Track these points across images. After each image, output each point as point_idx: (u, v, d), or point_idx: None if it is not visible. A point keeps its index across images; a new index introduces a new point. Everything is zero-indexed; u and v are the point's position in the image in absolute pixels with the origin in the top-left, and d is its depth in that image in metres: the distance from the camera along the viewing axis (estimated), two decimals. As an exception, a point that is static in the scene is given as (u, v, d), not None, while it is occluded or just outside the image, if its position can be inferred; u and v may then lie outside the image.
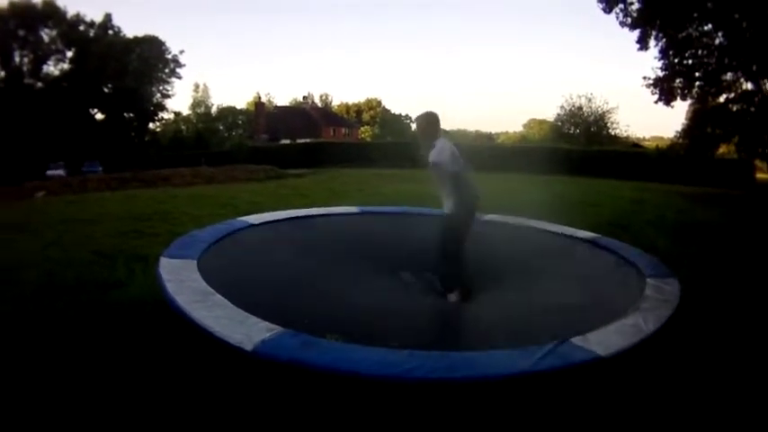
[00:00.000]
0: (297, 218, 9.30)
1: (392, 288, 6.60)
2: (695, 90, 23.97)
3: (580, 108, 57.43)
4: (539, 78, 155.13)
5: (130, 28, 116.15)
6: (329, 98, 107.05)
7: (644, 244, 7.83)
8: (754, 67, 21.82)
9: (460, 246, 6.42)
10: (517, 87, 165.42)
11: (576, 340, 4.05)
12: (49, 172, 43.06)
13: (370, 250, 7.76)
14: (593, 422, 3.88)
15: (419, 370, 3.60)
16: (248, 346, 3.78)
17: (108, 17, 65.68)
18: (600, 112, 56.76)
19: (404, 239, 8.18)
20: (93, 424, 3.78)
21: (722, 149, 27.77)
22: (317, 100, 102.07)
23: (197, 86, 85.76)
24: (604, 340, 4.09)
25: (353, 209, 10.46)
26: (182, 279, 5.18)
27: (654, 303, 5.11)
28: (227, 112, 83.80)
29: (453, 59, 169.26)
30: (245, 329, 4.03)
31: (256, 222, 8.58)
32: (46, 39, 62.61)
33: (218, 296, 4.81)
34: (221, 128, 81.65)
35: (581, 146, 44.14)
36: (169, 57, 68.07)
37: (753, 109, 22.64)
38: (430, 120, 6.78)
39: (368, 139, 68.03)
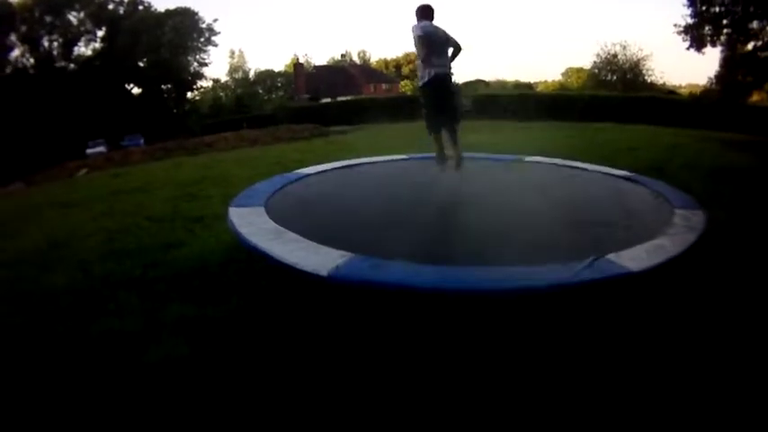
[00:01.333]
0: (349, 165, 10.02)
1: (442, 215, 7.02)
2: (723, 37, 23.72)
3: (615, 55, 56.73)
4: (575, 26, 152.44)
5: (161, 3, 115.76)
6: (367, 55, 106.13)
7: (679, 186, 8.04)
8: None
9: (431, 108, 8.07)
10: (554, 35, 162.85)
11: (611, 257, 4.37)
12: (89, 150, 43.03)
13: (420, 188, 8.35)
14: (624, 333, 4.34)
15: (475, 281, 3.96)
16: (323, 273, 4.12)
17: (137, -7, 65.65)
18: (635, 59, 56.07)
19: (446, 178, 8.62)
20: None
21: (756, 97, 27.48)
22: (355, 57, 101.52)
23: (233, 53, 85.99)
24: (636, 257, 4.43)
25: (402, 156, 11.17)
26: (252, 223, 5.51)
27: (680, 230, 5.46)
28: (266, 76, 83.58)
29: (489, 7, 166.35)
30: (319, 258, 4.40)
31: (312, 172, 9.17)
32: (74, 21, 62.58)
33: (291, 233, 5.18)
34: (260, 91, 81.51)
35: (618, 93, 43.64)
36: (203, 26, 67.91)
37: None
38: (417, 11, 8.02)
39: (408, 93, 67.20)
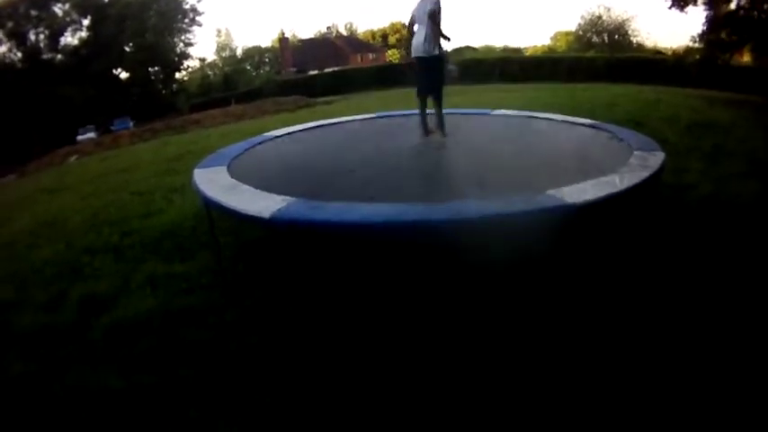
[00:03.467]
0: (317, 126, 10.11)
1: (395, 165, 7.00)
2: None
3: (600, 17, 56.95)
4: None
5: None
6: (354, 27, 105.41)
7: (657, 138, 8.15)
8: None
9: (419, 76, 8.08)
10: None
11: (551, 192, 4.55)
12: (80, 137, 43.01)
13: (379, 141, 8.52)
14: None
15: (409, 216, 4.23)
16: (266, 215, 4.36)
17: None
18: (619, 20, 56.24)
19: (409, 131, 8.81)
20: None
21: (746, 58, 27.45)
22: (342, 30, 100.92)
23: (219, 31, 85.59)
24: (579, 192, 4.56)
25: (371, 114, 11.23)
26: (212, 180, 5.70)
27: (634, 168, 5.48)
28: (253, 52, 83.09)
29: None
30: (264, 204, 4.59)
31: (279, 134, 9.34)
32: (60, 13, 62.19)
33: (245, 186, 5.37)
34: (248, 68, 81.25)
35: (603, 54, 43.79)
36: (187, 7, 67.60)
37: (764, 16, 22.37)
38: None
39: (395, 61, 66.98)
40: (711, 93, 23.07)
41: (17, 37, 58.33)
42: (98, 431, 3.42)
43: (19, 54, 59.14)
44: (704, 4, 23.61)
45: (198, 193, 5.45)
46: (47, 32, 60.56)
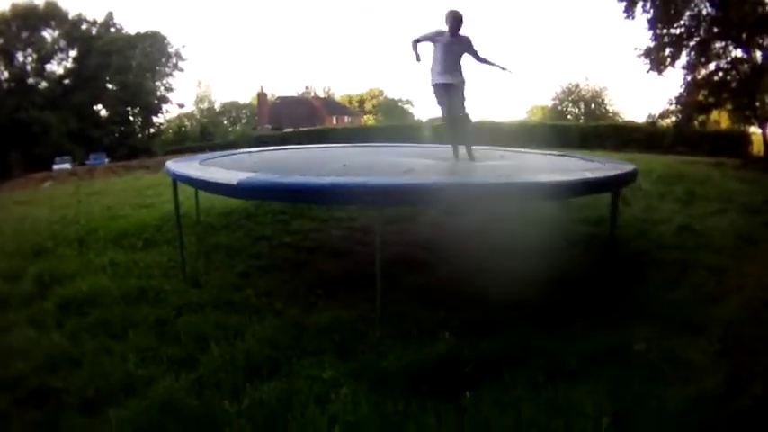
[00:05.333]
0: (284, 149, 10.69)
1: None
2: (686, 58, 24.20)
3: (577, 86, 58.08)
4: (538, 66, 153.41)
5: (132, 25, 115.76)
6: (331, 90, 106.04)
7: (632, 187, 8.25)
8: (744, 36, 22.12)
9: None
10: (517, 75, 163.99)
11: (526, 176, 5.21)
12: (56, 166, 42.98)
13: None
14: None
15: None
16: (234, 182, 4.58)
17: (110, 15, 65.55)
18: (596, 89, 57.37)
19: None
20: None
21: (724, 125, 27.89)
22: (319, 92, 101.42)
23: (200, 83, 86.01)
24: (547, 178, 5.07)
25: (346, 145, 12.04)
26: (183, 166, 5.86)
27: (603, 170, 5.78)
28: (231, 107, 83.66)
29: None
30: (233, 175, 4.80)
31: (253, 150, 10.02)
32: (49, 39, 62.42)
33: (214, 167, 5.65)
34: (225, 122, 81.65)
35: (579, 123, 44.56)
36: (171, 51, 68.01)
37: (742, 77, 22.90)
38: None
39: (369, 125, 67.84)
40: (687, 158, 23.54)
41: (6, 56, 58.34)
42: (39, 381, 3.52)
43: (6, 74, 59.12)
44: (683, 67, 24.09)
45: (169, 172, 5.59)
46: (35, 56, 60.65)
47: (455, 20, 7.29)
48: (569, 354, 3.71)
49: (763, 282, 5.09)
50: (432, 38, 7.48)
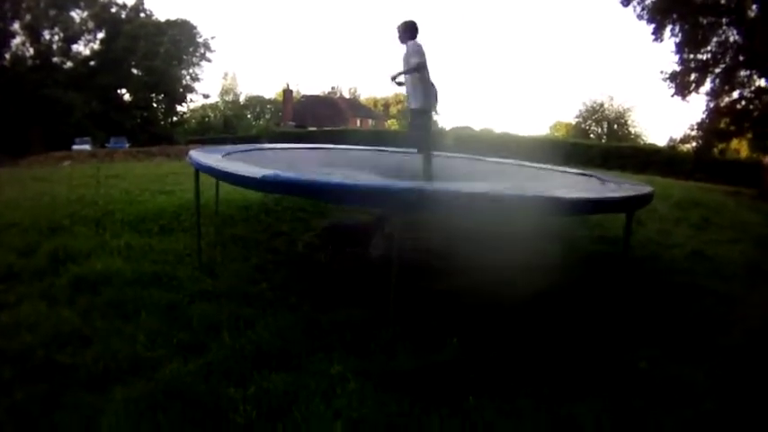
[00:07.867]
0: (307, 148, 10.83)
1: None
2: (710, 85, 24.07)
3: (602, 105, 57.63)
4: (564, 81, 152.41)
5: (162, 12, 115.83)
6: (357, 92, 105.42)
7: (648, 209, 8.01)
8: (768, 65, 21.98)
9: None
10: (543, 90, 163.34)
11: (535, 186, 5.02)
12: (75, 147, 43.00)
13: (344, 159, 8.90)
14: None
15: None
16: (258, 176, 4.64)
17: (140, 1, 65.52)
18: (621, 109, 56.93)
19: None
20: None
21: (744, 154, 27.66)
22: (345, 93, 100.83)
23: (226, 75, 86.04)
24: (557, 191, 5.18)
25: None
26: (207, 157, 5.89)
27: (613, 190, 5.93)
28: (255, 101, 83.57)
29: (480, 58, 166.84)
30: (255, 171, 4.86)
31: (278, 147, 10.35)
32: (77, 19, 62.30)
33: (237, 161, 5.70)
34: (249, 116, 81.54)
35: (602, 142, 44.31)
36: (200, 40, 67.74)
37: (765, 107, 22.73)
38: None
39: (393, 129, 67.46)
40: (705, 184, 23.42)
41: (32, 33, 58.35)
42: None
43: (31, 50, 59.15)
44: (706, 94, 23.97)
45: (192, 162, 5.63)
46: (61, 35, 60.56)
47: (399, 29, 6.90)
48: (574, 368, 3.73)
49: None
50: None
